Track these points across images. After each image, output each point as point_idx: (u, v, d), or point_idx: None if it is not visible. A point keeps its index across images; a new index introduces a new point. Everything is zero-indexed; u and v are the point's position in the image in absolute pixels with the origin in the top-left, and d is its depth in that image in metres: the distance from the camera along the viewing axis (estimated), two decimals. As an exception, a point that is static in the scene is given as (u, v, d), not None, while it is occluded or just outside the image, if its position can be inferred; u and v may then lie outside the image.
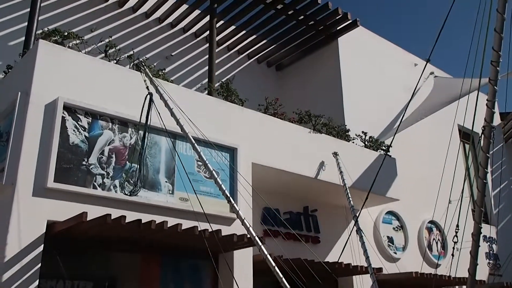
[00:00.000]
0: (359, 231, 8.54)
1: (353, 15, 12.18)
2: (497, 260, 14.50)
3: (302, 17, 12.04)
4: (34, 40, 7.49)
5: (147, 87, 5.90)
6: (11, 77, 7.11)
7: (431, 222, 12.52)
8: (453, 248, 5.51)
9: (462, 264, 6.27)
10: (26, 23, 8.01)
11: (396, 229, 11.75)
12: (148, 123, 5.82)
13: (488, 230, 14.15)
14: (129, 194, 6.17)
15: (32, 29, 7.77)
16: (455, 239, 5.48)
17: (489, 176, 10.15)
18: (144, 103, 5.84)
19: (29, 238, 5.53)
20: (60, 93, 6.25)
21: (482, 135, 5.06)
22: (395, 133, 8.31)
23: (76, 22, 10.09)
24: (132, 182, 6.38)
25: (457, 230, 5.55)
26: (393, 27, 34.11)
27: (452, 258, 5.82)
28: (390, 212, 11.62)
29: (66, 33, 6.91)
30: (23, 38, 7.89)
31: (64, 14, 10.13)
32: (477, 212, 5.17)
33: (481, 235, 5.30)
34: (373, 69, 13.05)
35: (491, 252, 14.47)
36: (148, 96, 5.82)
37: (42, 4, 8.27)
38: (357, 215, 8.77)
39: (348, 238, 8.67)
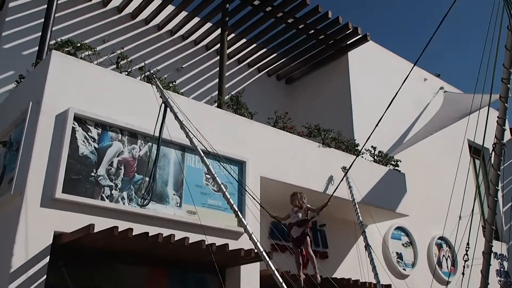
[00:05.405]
0: (367, 246, 8.43)
1: (363, 29, 12.23)
2: (508, 277, 14.28)
3: (312, 31, 12.07)
4: (47, 51, 7.55)
5: (160, 97, 5.90)
6: (23, 87, 7.17)
7: (441, 238, 12.36)
8: (464, 266, 5.43)
9: (473, 282, 6.16)
10: (40, 34, 8.10)
11: (405, 245, 11.62)
12: (162, 133, 5.78)
13: (499, 247, 13.95)
14: (140, 205, 6.07)
15: (45, 40, 7.84)
16: (466, 258, 5.40)
17: (499, 192, 10.04)
18: (159, 112, 5.81)
19: (36, 249, 5.52)
20: (71, 104, 6.29)
21: (493, 152, 5.00)
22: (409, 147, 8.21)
23: (89, 33, 10.21)
24: (142, 194, 6.32)
25: (467, 249, 5.46)
26: (403, 42, 34.08)
27: (463, 276, 5.72)
28: (399, 228, 11.49)
29: (78, 44, 6.96)
30: (37, 48, 7.97)
31: (78, 25, 10.24)
32: (488, 231, 5.09)
33: (492, 253, 5.22)
34: (382, 83, 12.99)
35: (502, 269, 14.26)
36: (163, 105, 5.81)
37: (56, 15, 8.35)
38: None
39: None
